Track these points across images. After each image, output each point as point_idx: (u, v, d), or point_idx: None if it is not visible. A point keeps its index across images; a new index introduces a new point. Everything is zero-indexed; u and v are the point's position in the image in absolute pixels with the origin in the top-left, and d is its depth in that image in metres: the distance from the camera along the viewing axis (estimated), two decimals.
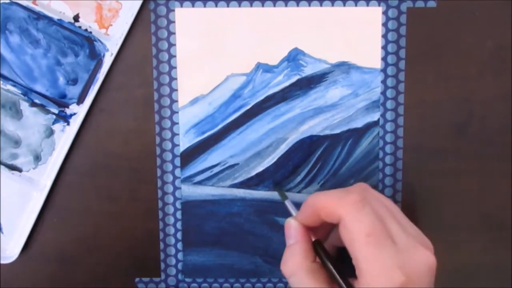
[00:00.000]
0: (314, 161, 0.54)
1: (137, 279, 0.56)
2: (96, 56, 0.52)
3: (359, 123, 0.54)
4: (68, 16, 0.52)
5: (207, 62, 0.53)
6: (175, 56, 0.53)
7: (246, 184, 0.54)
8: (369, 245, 0.42)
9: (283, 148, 0.54)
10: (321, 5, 0.52)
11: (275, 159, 0.54)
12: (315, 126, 0.54)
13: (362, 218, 0.42)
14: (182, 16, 0.52)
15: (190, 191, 0.54)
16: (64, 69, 0.52)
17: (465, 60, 0.54)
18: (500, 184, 0.56)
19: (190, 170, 0.54)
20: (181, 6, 0.52)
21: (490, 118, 0.54)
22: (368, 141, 0.54)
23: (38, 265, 0.56)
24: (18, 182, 0.53)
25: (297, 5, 0.52)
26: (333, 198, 0.44)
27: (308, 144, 0.54)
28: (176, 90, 0.53)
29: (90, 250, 0.56)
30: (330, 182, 0.55)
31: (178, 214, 0.55)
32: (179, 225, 0.55)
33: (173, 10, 0.52)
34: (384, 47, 0.53)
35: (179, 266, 0.56)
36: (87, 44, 0.52)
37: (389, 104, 0.54)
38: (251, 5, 0.52)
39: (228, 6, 0.52)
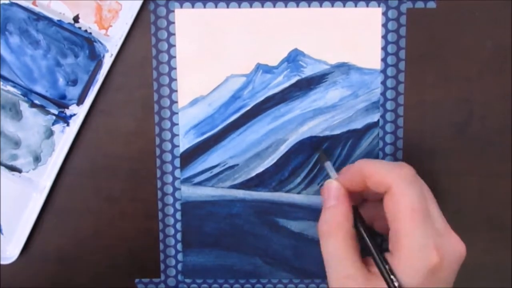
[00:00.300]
0: (314, 162, 0.54)
1: (137, 280, 0.56)
2: (96, 57, 0.52)
3: (359, 124, 0.54)
4: (68, 17, 0.52)
5: (207, 63, 0.53)
6: (175, 57, 0.53)
7: (246, 185, 0.54)
8: (413, 220, 0.42)
9: (283, 149, 0.54)
10: (320, 6, 0.52)
11: (275, 160, 0.54)
12: (315, 127, 0.54)
13: (412, 192, 0.42)
14: (182, 17, 0.52)
15: (190, 192, 0.54)
16: (64, 70, 0.52)
17: (465, 60, 0.54)
18: (500, 184, 0.56)
19: (190, 171, 0.54)
20: (181, 7, 0.52)
21: (490, 118, 0.54)
22: (368, 142, 0.54)
23: (38, 265, 0.56)
24: (18, 183, 0.53)
25: (297, 6, 0.52)
26: (384, 167, 0.44)
27: (308, 145, 0.54)
28: (176, 91, 0.53)
29: (90, 250, 0.56)
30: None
31: (178, 215, 0.55)
32: (179, 226, 0.55)
33: (173, 11, 0.52)
34: (384, 48, 0.53)
35: (179, 267, 0.56)
36: (87, 45, 0.52)
37: (389, 105, 0.54)
38: (251, 6, 0.52)
39: (228, 7, 0.52)
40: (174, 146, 0.54)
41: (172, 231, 0.55)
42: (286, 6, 0.52)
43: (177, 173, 0.54)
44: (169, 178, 0.54)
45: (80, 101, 0.53)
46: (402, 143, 0.54)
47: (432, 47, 0.53)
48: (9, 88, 0.52)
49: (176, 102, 0.53)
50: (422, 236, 0.41)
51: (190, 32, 0.53)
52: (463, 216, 0.56)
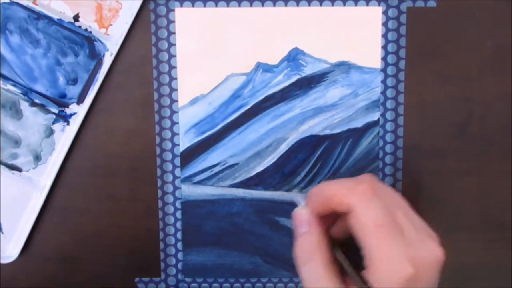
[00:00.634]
0: (314, 161, 0.54)
1: (137, 279, 0.56)
2: (96, 56, 0.52)
3: (359, 123, 0.54)
4: (68, 16, 0.52)
5: (207, 61, 0.53)
6: (175, 56, 0.53)
7: (246, 184, 0.54)
8: (379, 235, 0.42)
9: (283, 148, 0.54)
10: (321, 5, 0.52)
11: (275, 159, 0.54)
12: (315, 126, 0.54)
13: (372, 208, 0.42)
14: (182, 16, 0.52)
15: (190, 191, 0.54)
16: (64, 69, 0.52)
17: (465, 60, 0.54)
18: (500, 184, 0.56)
19: (190, 170, 0.54)
20: (181, 6, 0.52)
21: (490, 118, 0.54)
22: (368, 141, 0.54)
23: (38, 265, 0.56)
24: (18, 182, 0.53)
25: (297, 5, 0.52)
26: (343, 187, 0.44)
27: (308, 144, 0.54)
28: (176, 90, 0.53)
29: (90, 249, 0.56)
30: (328, 180, 0.55)
31: (178, 214, 0.55)
32: (179, 225, 0.55)
33: (173, 10, 0.52)
34: (384, 47, 0.53)
35: (179, 266, 0.56)
36: (87, 44, 0.52)
37: (389, 104, 0.54)
38: (251, 5, 0.52)
39: (228, 6, 0.52)
40: (174, 145, 0.54)
41: (172, 230, 0.55)
42: (286, 5, 0.52)
43: (177, 172, 0.54)
44: (169, 177, 0.54)
45: (80, 100, 0.53)
46: (402, 142, 0.54)
47: (432, 46, 0.53)
48: (9, 87, 0.52)
49: (176, 101, 0.53)
50: (391, 250, 0.41)
51: (190, 31, 0.53)
52: (463, 216, 0.56)
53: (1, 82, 0.52)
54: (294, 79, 0.53)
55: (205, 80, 0.53)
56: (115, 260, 0.56)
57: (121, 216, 0.55)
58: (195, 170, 0.54)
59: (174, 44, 0.53)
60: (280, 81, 0.53)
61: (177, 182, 0.54)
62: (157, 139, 0.54)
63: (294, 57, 0.53)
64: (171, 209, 0.55)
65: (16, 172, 0.53)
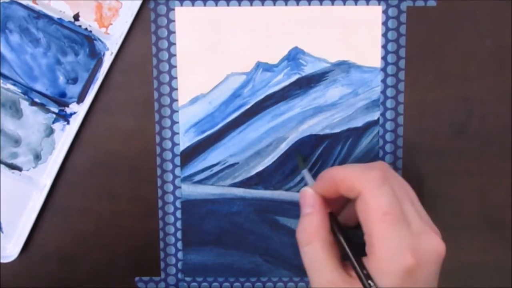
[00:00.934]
0: (314, 160, 0.54)
1: (137, 278, 0.56)
2: (96, 55, 0.52)
3: (359, 122, 0.54)
4: (68, 15, 0.52)
5: (207, 61, 0.53)
6: (175, 55, 0.53)
7: (246, 183, 0.54)
8: (385, 223, 0.41)
9: (283, 147, 0.54)
10: (321, 4, 0.52)
11: (275, 158, 0.54)
12: (315, 125, 0.54)
13: (382, 195, 0.42)
14: (182, 15, 0.52)
15: (190, 190, 0.54)
16: (64, 68, 0.52)
17: (465, 60, 0.54)
18: (500, 184, 0.56)
19: (190, 169, 0.54)
20: (181, 5, 0.52)
21: (490, 118, 0.54)
22: (368, 140, 0.54)
23: (38, 265, 0.56)
24: (18, 181, 0.53)
25: (297, 4, 0.52)
26: (354, 172, 0.44)
27: (308, 143, 0.54)
28: (176, 89, 0.53)
29: (90, 248, 0.56)
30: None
31: (178, 213, 0.55)
32: (179, 224, 0.55)
33: (173, 9, 0.53)
34: (384, 46, 0.53)
35: (179, 265, 0.56)
36: (87, 43, 0.52)
37: (389, 103, 0.54)
38: (251, 4, 0.52)
39: (228, 5, 0.52)
40: (174, 144, 0.54)
41: (172, 230, 0.55)
42: (286, 5, 0.53)
43: (177, 171, 0.54)
44: (169, 177, 0.54)
45: (80, 99, 0.53)
46: (402, 141, 0.54)
47: (432, 46, 0.53)
48: (9, 86, 0.52)
49: (176, 100, 0.53)
50: (395, 239, 0.41)
51: (190, 30, 0.53)
52: (463, 216, 0.56)
53: (1, 81, 0.52)
54: (294, 78, 0.53)
55: (205, 79, 0.53)
56: (115, 259, 0.56)
57: (121, 216, 0.55)
58: (195, 169, 0.54)
59: (174, 43, 0.53)
60: (280, 80, 0.53)
61: (177, 181, 0.54)
62: (157, 139, 0.54)
63: (294, 57, 0.53)
64: (171, 208, 0.55)
65: (16, 172, 0.53)
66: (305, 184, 0.49)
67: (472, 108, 0.54)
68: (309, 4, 0.52)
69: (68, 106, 0.53)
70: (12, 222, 0.54)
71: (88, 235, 0.55)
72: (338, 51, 0.53)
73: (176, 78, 0.53)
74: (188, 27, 0.53)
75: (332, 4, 0.52)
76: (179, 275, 0.56)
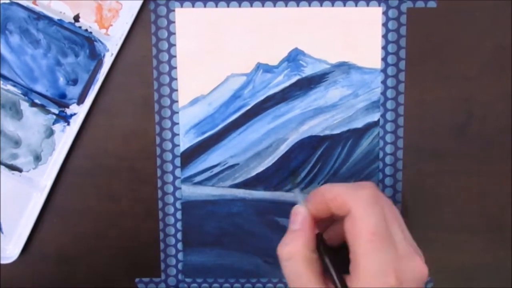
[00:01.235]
0: (314, 161, 0.54)
1: (137, 279, 0.56)
2: (96, 56, 0.52)
3: (359, 124, 0.54)
4: (68, 16, 0.52)
5: (207, 62, 0.53)
6: (175, 56, 0.53)
7: (246, 184, 0.54)
8: (372, 243, 0.41)
9: (283, 149, 0.54)
10: (321, 5, 0.52)
11: (275, 160, 0.54)
12: (315, 127, 0.54)
13: (371, 215, 0.42)
14: (182, 16, 0.52)
15: (190, 191, 0.54)
16: (64, 69, 0.52)
17: (465, 60, 0.54)
18: (500, 184, 0.56)
19: (190, 170, 0.54)
20: (181, 6, 0.52)
21: (490, 118, 0.54)
22: (368, 142, 0.54)
23: (38, 265, 0.56)
24: (18, 182, 0.53)
25: (297, 5, 0.52)
26: (346, 189, 0.44)
27: (308, 145, 0.54)
28: (176, 90, 0.53)
29: (90, 249, 0.56)
30: (330, 182, 0.55)
31: (178, 214, 0.55)
32: (179, 225, 0.55)
33: (173, 10, 0.52)
34: (384, 47, 0.53)
35: (179, 266, 0.56)
36: (87, 44, 0.52)
37: (389, 104, 0.54)
38: (251, 5, 0.52)
39: (228, 6, 0.52)
40: (175, 145, 0.54)
41: (172, 231, 0.55)
42: (286, 6, 0.52)
43: (178, 172, 0.54)
44: (170, 178, 0.54)
45: (80, 101, 0.53)
46: (402, 143, 0.54)
47: (432, 47, 0.53)
48: (9, 87, 0.52)
49: (177, 101, 0.53)
50: (380, 260, 0.41)
51: (190, 31, 0.53)
52: (463, 216, 0.56)
53: (1, 82, 0.52)
54: (294, 79, 0.53)
55: (205, 80, 0.53)
56: (115, 260, 0.56)
57: (121, 217, 0.55)
58: (195, 170, 0.54)
59: (174, 45, 0.53)
60: (280, 82, 0.53)
61: (177, 182, 0.54)
62: (157, 140, 0.54)
63: (294, 58, 0.53)
64: (171, 209, 0.55)
65: (16, 173, 0.53)
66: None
67: (472, 109, 0.54)
68: (309, 5, 0.52)
69: (68, 107, 0.53)
70: (12, 223, 0.54)
71: (88, 236, 0.55)
72: (338, 52, 0.53)
73: (176, 79, 0.53)
74: (188, 28, 0.53)
75: (332, 5, 0.52)
76: (180, 276, 0.56)
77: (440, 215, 0.56)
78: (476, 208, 0.56)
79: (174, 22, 0.53)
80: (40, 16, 0.52)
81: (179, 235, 0.55)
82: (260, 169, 0.54)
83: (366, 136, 0.54)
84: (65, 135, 0.53)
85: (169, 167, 0.54)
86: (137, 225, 0.55)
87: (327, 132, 0.54)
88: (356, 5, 0.52)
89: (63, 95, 0.53)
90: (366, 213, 0.42)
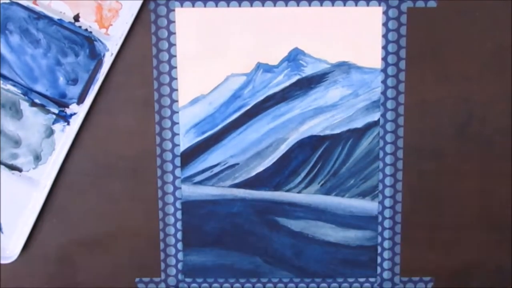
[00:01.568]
0: (315, 161, 0.54)
1: (137, 279, 0.56)
2: (96, 56, 0.52)
3: (359, 123, 0.54)
4: (69, 16, 0.52)
5: (207, 62, 0.53)
6: (175, 56, 0.53)
7: (246, 184, 0.54)
8: None
9: (283, 148, 0.54)
10: (321, 5, 0.52)
11: (275, 159, 0.54)
12: (315, 126, 0.54)
13: None
14: (182, 16, 0.52)
15: (190, 191, 0.54)
16: (64, 69, 0.52)
17: (465, 60, 0.54)
18: (500, 184, 0.56)
19: (190, 170, 0.54)
20: (181, 6, 0.52)
21: (490, 118, 0.54)
22: (369, 141, 0.54)
23: (38, 265, 0.56)
24: (18, 182, 0.53)
25: (298, 5, 0.52)
26: None
27: (308, 144, 0.54)
28: (176, 90, 0.53)
29: (90, 250, 0.56)
30: (330, 182, 0.55)
31: (178, 214, 0.55)
32: (179, 225, 0.55)
33: (173, 10, 0.52)
34: (384, 47, 0.53)
35: (179, 266, 0.56)
36: (87, 44, 0.52)
37: (389, 104, 0.54)
38: (251, 5, 0.52)
39: (228, 6, 0.52)
40: (175, 145, 0.54)
41: (172, 230, 0.55)
42: (286, 5, 0.52)
43: (178, 172, 0.54)
44: (170, 177, 0.54)
45: (80, 100, 0.53)
46: (402, 142, 0.54)
47: (432, 47, 0.53)
48: (10, 87, 0.52)
49: (177, 101, 0.53)
50: None
51: (190, 31, 0.53)
52: (463, 216, 0.56)
53: (1, 82, 0.52)
54: (294, 79, 0.53)
55: (205, 80, 0.53)
56: (115, 260, 0.56)
57: (121, 216, 0.55)
58: (196, 170, 0.54)
59: (174, 44, 0.53)
60: (280, 81, 0.53)
61: (177, 182, 0.54)
62: (158, 139, 0.54)
63: (294, 57, 0.53)
64: (171, 209, 0.55)
65: (16, 172, 0.53)
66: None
67: (472, 109, 0.54)
68: (310, 5, 0.52)
69: (68, 107, 0.53)
70: (12, 223, 0.54)
71: (88, 235, 0.55)
72: (338, 52, 0.53)
73: (176, 79, 0.53)
74: (188, 28, 0.53)
75: (333, 5, 0.52)
76: (179, 276, 0.56)
77: (440, 215, 0.56)
78: (476, 208, 0.56)
79: (174, 21, 0.53)
80: (40, 16, 0.52)
81: (179, 235, 0.55)
82: (260, 169, 0.54)
83: (366, 135, 0.54)
84: (65, 135, 0.53)
85: (169, 166, 0.54)
86: (137, 225, 0.55)
87: (327, 132, 0.54)
88: (356, 5, 0.52)
89: (63, 95, 0.53)
90: None
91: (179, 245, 0.55)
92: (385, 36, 0.53)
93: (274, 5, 0.52)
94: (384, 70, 0.53)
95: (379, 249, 0.56)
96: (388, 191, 0.55)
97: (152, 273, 0.56)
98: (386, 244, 0.56)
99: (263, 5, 0.52)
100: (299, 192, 0.55)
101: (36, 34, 0.52)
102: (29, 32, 0.52)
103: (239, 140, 0.54)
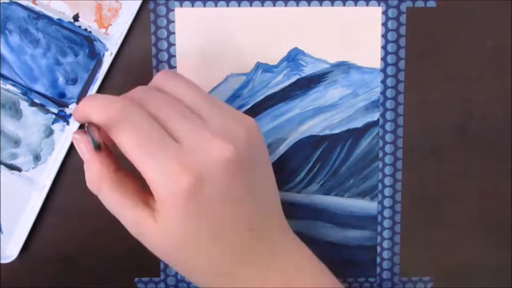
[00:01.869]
0: (314, 161, 0.54)
1: (136, 279, 0.56)
2: (95, 56, 0.52)
3: (358, 123, 0.54)
4: (68, 16, 0.52)
5: (207, 62, 0.53)
6: (174, 56, 0.53)
7: None
8: (143, 155, 0.39)
9: (282, 148, 0.54)
10: (320, 5, 0.52)
11: (274, 159, 0.54)
12: (315, 126, 0.54)
13: (128, 128, 0.40)
14: (182, 16, 0.52)
15: None
16: (63, 69, 0.52)
17: (465, 60, 0.54)
18: (500, 184, 0.56)
19: None
20: (181, 6, 0.52)
21: (490, 118, 0.54)
22: (368, 141, 0.54)
23: (38, 265, 0.56)
24: (18, 182, 0.53)
25: (297, 5, 0.52)
26: (99, 106, 0.41)
27: (308, 144, 0.54)
28: None
29: (90, 250, 0.56)
30: (330, 182, 0.55)
31: None
32: None
33: (173, 10, 0.52)
34: (383, 47, 0.53)
35: None
36: (87, 43, 0.52)
37: (389, 104, 0.54)
38: (251, 5, 0.52)
39: (227, 6, 0.52)
40: None
41: None
42: (286, 5, 0.52)
43: None
44: None
45: (80, 100, 0.53)
46: (402, 142, 0.54)
47: (432, 46, 0.53)
48: (9, 87, 0.52)
49: None
50: (161, 165, 0.39)
51: (190, 31, 0.53)
52: (463, 216, 0.56)
53: (1, 82, 0.52)
54: (294, 79, 0.53)
55: (205, 80, 0.53)
56: (115, 260, 0.56)
57: None
58: None
59: (174, 44, 0.53)
60: (280, 81, 0.53)
61: None
62: None
63: (294, 57, 0.53)
64: None
65: (15, 172, 0.53)
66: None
67: (472, 109, 0.54)
68: (309, 5, 0.52)
69: (67, 107, 0.53)
70: (11, 223, 0.54)
71: (87, 235, 0.55)
72: (338, 52, 0.53)
73: None
74: (188, 28, 0.53)
75: (332, 5, 0.52)
76: (179, 276, 0.56)
77: (440, 215, 0.56)
78: (476, 208, 0.56)
79: (173, 21, 0.53)
80: (39, 16, 0.52)
81: None
82: None
83: (366, 135, 0.54)
84: (65, 135, 0.53)
85: None
86: None
87: (327, 132, 0.54)
88: (355, 5, 0.52)
89: (62, 95, 0.53)
90: (122, 129, 0.40)
91: None
92: (384, 36, 0.53)
93: (274, 5, 0.52)
94: (383, 70, 0.53)
95: (379, 249, 0.56)
96: (387, 191, 0.55)
97: (151, 273, 0.56)
98: (386, 244, 0.56)
99: (262, 5, 0.52)
100: (298, 192, 0.55)
101: (35, 34, 0.52)
102: (29, 32, 0.52)
103: None
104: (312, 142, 0.54)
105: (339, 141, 0.54)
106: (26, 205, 0.54)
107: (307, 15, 0.52)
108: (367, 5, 0.52)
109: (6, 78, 0.52)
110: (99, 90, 0.52)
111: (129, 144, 0.40)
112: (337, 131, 0.54)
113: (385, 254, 0.56)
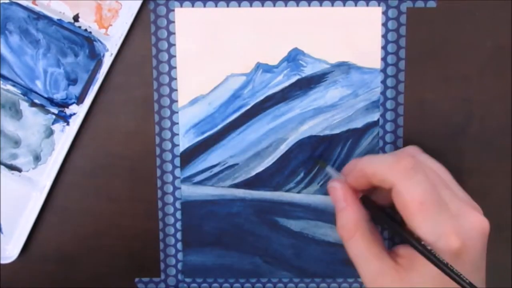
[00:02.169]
0: (314, 161, 0.54)
1: (136, 279, 0.56)
2: (95, 56, 0.52)
3: (359, 123, 0.54)
4: (68, 16, 0.52)
5: (207, 62, 0.53)
6: (175, 56, 0.53)
7: (246, 184, 0.54)
8: (422, 213, 0.41)
9: (282, 149, 0.54)
10: (320, 5, 0.52)
11: (274, 159, 0.54)
12: (315, 126, 0.54)
13: (415, 185, 0.42)
14: (182, 16, 0.52)
15: (190, 191, 0.54)
16: (64, 69, 0.52)
17: (465, 60, 0.54)
18: (500, 184, 0.55)
19: (190, 170, 0.54)
20: (181, 6, 0.52)
21: (490, 118, 0.54)
22: (368, 141, 0.54)
23: (38, 265, 0.56)
24: (18, 182, 0.53)
25: (297, 5, 0.52)
26: (384, 164, 0.44)
27: (308, 145, 0.54)
28: (176, 90, 0.53)
29: (90, 250, 0.56)
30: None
31: (178, 214, 0.55)
32: (179, 225, 0.55)
33: (173, 10, 0.52)
34: (384, 47, 0.53)
35: (179, 266, 0.56)
36: (87, 44, 0.52)
37: (389, 104, 0.54)
38: (251, 5, 0.52)
39: (228, 6, 0.52)
40: (174, 145, 0.54)
41: (172, 230, 0.55)
42: (286, 5, 0.52)
43: (177, 172, 0.54)
44: (169, 177, 0.54)
45: (80, 100, 0.53)
46: (402, 142, 0.54)
47: (432, 47, 0.53)
48: (9, 87, 0.52)
49: (176, 101, 0.53)
50: (436, 225, 0.41)
51: (190, 31, 0.53)
52: None
53: (1, 82, 0.52)
54: (294, 79, 0.53)
55: (205, 80, 0.53)
56: (115, 260, 0.56)
57: (120, 216, 0.55)
58: (195, 170, 0.54)
59: (174, 44, 0.53)
60: (280, 82, 0.53)
61: (177, 182, 0.54)
62: (157, 140, 0.54)
63: (294, 58, 0.53)
64: (171, 209, 0.55)
65: (16, 172, 0.53)
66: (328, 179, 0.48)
67: (472, 109, 0.54)
68: (309, 5, 0.52)
69: (67, 107, 0.53)
70: (11, 223, 0.54)
71: (87, 236, 0.55)
72: (338, 52, 0.53)
73: (176, 79, 0.53)
74: (188, 28, 0.53)
75: (332, 5, 0.52)
76: (179, 276, 0.56)
77: None
78: None
79: (173, 22, 0.53)
80: (39, 16, 0.52)
81: (178, 235, 0.55)
82: (260, 169, 0.54)
83: (366, 136, 0.54)
84: (65, 135, 0.53)
85: (169, 167, 0.54)
86: (137, 225, 0.55)
87: (327, 132, 0.54)
88: (355, 5, 0.52)
89: (62, 95, 0.53)
90: (409, 186, 0.42)
91: (179, 245, 0.55)
92: (384, 36, 0.53)
93: (274, 5, 0.52)
94: (383, 70, 0.53)
95: None
96: None
97: (151, 273, 0.56)
98: (385, 244, 0.56)
99: (262, 5, 0.52)
100: (298, 192, 0.55)
101: (35, 34, 0.52)
102: (29, 32, 0.52)
103: (238, 140, 0.54)
104: (312, 142, 0.54)
105: (339, 141, 0.54)
106: (26, 205, 0.54)
107: (307, 16, 0.52)
108: (367, 5, 0.52)
109: (6, 78, 0.52)
110: (99, 91, 0.52)
111: (413, 200, 0.42)
112: (337, 131, 0.54)
113: None
